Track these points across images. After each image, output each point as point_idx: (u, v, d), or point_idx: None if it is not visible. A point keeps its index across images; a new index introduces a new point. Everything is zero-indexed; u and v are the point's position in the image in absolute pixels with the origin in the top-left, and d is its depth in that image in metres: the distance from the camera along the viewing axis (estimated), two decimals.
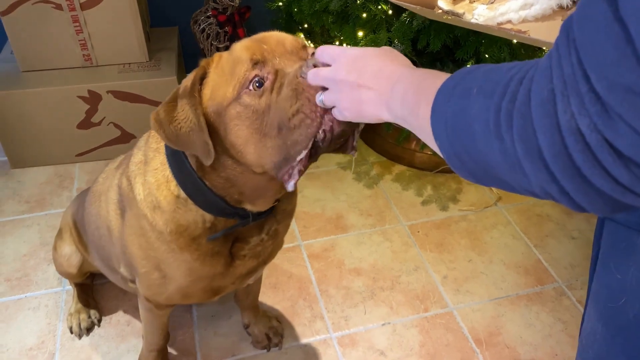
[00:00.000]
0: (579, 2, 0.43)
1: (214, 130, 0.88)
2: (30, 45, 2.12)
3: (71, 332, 1.62)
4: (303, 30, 2.27)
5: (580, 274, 1.84)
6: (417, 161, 2.27)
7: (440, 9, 1.16)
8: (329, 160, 2.32)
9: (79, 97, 2.13)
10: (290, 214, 1.18)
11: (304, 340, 1.62)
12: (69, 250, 1.53)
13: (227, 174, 0.94)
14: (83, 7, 2.05)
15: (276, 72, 0.83)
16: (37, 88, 2.10)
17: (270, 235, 1.11)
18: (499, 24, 1.08)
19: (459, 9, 1.14)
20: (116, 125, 2.24)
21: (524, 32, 1.04)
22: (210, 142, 0.86)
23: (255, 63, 0.84)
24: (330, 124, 0.78)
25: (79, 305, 1.64)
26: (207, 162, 0.88)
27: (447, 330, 1.65)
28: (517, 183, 0.49)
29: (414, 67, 0.69)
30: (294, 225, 2.00)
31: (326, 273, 1.83)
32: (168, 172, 0.99)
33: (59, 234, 1.57)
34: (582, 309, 1.70)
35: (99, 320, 1.66)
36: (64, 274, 1.60)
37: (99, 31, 2.12)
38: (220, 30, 2.36)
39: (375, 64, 0.70)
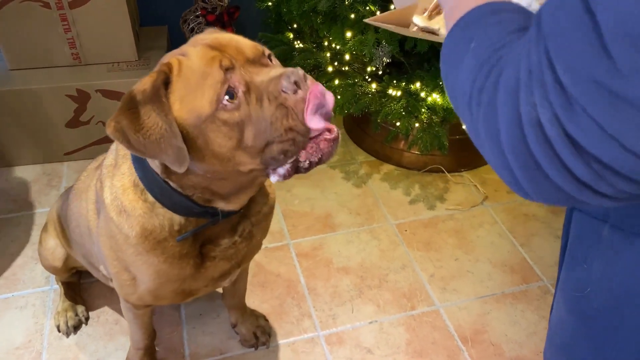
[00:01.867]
0: None
1: (186, 138, 0.84)
2: (18, 44, 2.11)
3: (59, 331, 1.62)
4: (292, 30, 2.28)
5: None
6: (405, 161, 2.29)
7: (416, 25, 1.17)
8: None
9: (68, 95, 2.13)
10: (267, 216, 1.17)
11: (292, 339, 1.63)
12: (54, 244, 1.53)
13: (200, 179, 0.92)
14: (71, 5, 2.04)
15: (247, 83, 0.83)
16: (25, 87, 2.10)
17: (244, 237, 1.10)
18: None
19: (434, 24, 1.13)
20: (105, 124, 2.23)
21: None
22: (184, 148, 0.82)
23: (226, 71, 0.82)
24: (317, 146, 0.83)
25: (66, 303, 1.64)
26: (181, 169, 0.84)
27: (433, 328, 1.67)
28: (478, 148, 0.50)
29: None
30: (282, 223, 2.01)
31: (314, 272, 1.84)
32: (135, 176, 0.98)
33: (45, 228, 1.57)
34: None
35: (87, 319, 1.66)
36: (50, 268, 1.60)
37: (87, 30, 2.12)
38: None
39: None
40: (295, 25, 2.25)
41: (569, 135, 0.40)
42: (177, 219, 0.99)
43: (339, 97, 2.01)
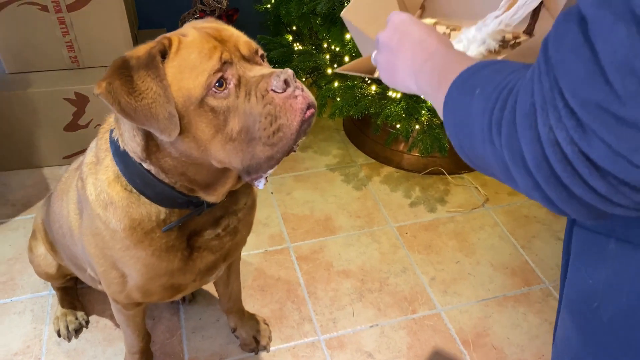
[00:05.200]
0: (554, 21, 0.46)
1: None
2: (16, 47, 2.10)
3: (59, 336, 1.60)
4: (291, 33, 2.27)
5: None
6: (405, 163, 2.28)
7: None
8: (318, 162, 2.32)
9: (66, 99, 2.12)
10: (251, 209, 1.18)
11: (292, 343, 1.62)
12: (44, 250, 1.52)
13: (175, 162, 0.92)
14: (69, 8, 2.03)
15: (239, 77, 0.86)
16: (23, 90, 2.09)
17: (229, 231, 1.10)
18: None
19: None
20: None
21: None
22: (176, 114, 0.83)
23: (224, 64, 0.85)
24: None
25: (65, 308, 1.63)
26: (171, 137, 0.84)
27: (434, 332, 1.66)
28: (509, 183, 0.53)
29: (449, 44, 0.72)
30: (282, 227, 2.00)
31: (314, 275, 1.83)
32: (117, 168, 0.99)
33: (33, 235, 1.56)
34: None
35: (87, 322, 1.65)
36: (43, 275, 1.58)
37: (85, 33, 2.11)
38: None
39: (418, 32, 0.74)
40: (294, 28, 2.24)
41: (584, 153, 0.43)
42: (162, 209, 0.99)
43: (338, 99, 2.00)
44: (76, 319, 1.63)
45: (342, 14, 1.08)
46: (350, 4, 1.08)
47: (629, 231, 0.56)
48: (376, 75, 1.10)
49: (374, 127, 2.08)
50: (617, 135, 0.41)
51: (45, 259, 1.52)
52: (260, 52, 0.93)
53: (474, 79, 0.57)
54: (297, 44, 2.21)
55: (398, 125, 1.95)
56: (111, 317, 1.68)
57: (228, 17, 2.37)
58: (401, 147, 2.25)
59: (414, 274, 1.84)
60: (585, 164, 0.44)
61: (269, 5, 2.28)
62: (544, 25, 1.07)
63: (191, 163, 0.92)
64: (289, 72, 0.84)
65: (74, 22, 2.07)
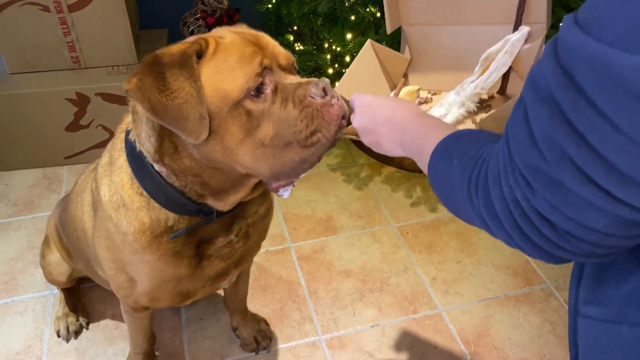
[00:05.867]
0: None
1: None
2: (17, 47, 2.11)
3: (58, 336, 1.61)
4: (292, 32, 2.27)
5: (567, 275, 1.85)
6: (406, 163, 2.28)
7: None
8: (320, 162, 2.32)
9: (67, 99, 2.12)
10: (265, 217, 1.16)
11: (293, 343, 1.62)
12: (57, 259, 1.51)
13: (193, 163, 0.90)
14: (71, 9, 2.04)
15: (277, 83, 0.86)
16: (25, 90, 2.09)
17: (240, 236, 1.08)
18: None
19: None
20: (105, 128, 2.23)
21: None
22: (207, 117, 0.82)
23: (264, 69, 0.84)
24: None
25: (67, 309, 1.63)
26: (199, 139, 0.83)
27: (435, 332, 1.66)
28: (488, 232, 0.63)
29: (418, 112, 0.82)
30: (283, 227, 2.00)
31: (315, 275, 1.83)
32: (130, 170, 0.97)
33: (46, 242, 1.56)
34: None
35: (87, 324, 1.65)
36: (53, 282, 1.59)
37: (87, 33, 2.11)
38: None
39: (384, 111, 0.83)
40: (295, 28, 2.24)
41: (534, 208, 0.53)
42: (172, 215, 0.98)
43: None
44: (77, 320, 1.63)
45: (335, 89, 1.14)
46: (341, 80, 1.21)
47: None
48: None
49: None
50: (551, 192, 0.51)
51: (57, 267, 1.52)
52: (296, 65, 0.93)
53: (451, 149, 0.68)
54: (298, 44, 2.21)
55: None
56: (112, 317, 1.68)
57: (229, 17, 2.37)
58: None
59: (415, 273, 1.84)
60: (537, 217, 0.53)
61: (270, 5, 2.28)
62: (514, 85, 1.26)
63: (210, 166, 0.90)
64: (326, 81, 0.86)
65: (75, 23, 2.07)
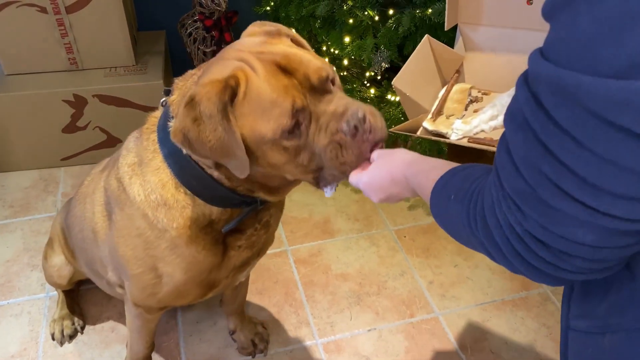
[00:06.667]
0: None
1: (246, 148, 0.88)
2: (14, 49, 2.10)
3: (53, 339, 1.60)
4: None
5: None
6: None
7: (425, 129, 1.36)
8: None
9: (65, 101, 2.12)
10: (281, 206, 1.20)
11: (290, 347, 1.61)
12: (59, 261, 1.51)
13: (251, 177, 0.95)
14: (68, 10, 2.03)
15: (310, 116, 0.87)
16: (22, 92, 2.09)
17: (263, 225, 1.12)
18: (475, 134, 1.29)
19: (439, 125, 1.33)
20: (102, 130, 2.22)
21: (496, 140, 1.23)
22: (246, 159, 0.86)
23: (297, 111, 0.85)
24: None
25: (64, 311, 1.63)
26: (243, 176, 0.89)
27: (432, 336, 1.65)
28: (490, 258, 0.66)
29: (410, 160, 0.86)
30: (281, 230, 2.00)
31: (312, 278, 1.83)
32: (169, 171, 1.00)
33: (50, 243, 1.55)
34: None
35: (83, 328, 1.64)
36: (54, 284, 1.59)
37: (84, 35, 2.11)
38: (207, 35, 2.36)
39: (384, 179, 0.87)
40: (293, 30, 2.24)
41: (527, 230, 0.56)
42: (215, 209, 1.01)
43: None
44: (72, 324, 1.62)
45: (393, 82, 1.26)
46: (398, 74, 1.27)
47: (622, 319, 0.61)
48: (419, 133, 1.36)
49: None
50: (538, 212, 0.54)
51: (59, 270, 1.52)
52: (331, 76, 0.90)
53: (447, 187, 0.73)
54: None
55: None
56: (108, 320, 1.67)
57: (227, 19, 2.37)
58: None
59: (412, 277, 1.84)
60: (532, 239, 0.56)
61: (268, 8, 2.28)
62: None
63: (263, 174, 0.95)
64: (359, 115, 0.86)
65: (72, 24, 2.07)
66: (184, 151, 0.93)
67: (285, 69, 0.86)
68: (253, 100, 0.85)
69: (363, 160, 0.90)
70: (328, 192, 0.96)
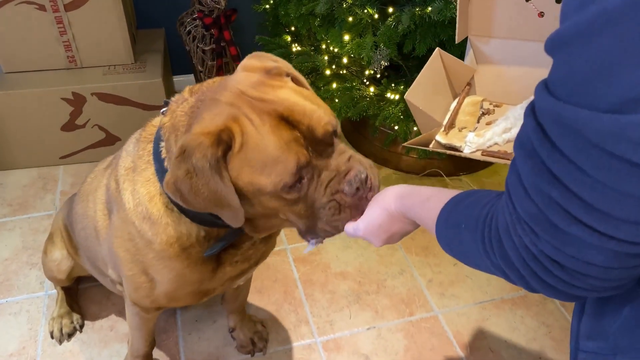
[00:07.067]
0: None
1: (239, 194, 0.85)
2: (13, 46, 2.09)
3: (52, 337, 1.60)
4: (290, 33, 2.27)
5: None
6: (403, 164, 2.27)
7: (438, 142, 1.37)
8: None
9: (63, 99, 2.11)
10: None
11: (289, 345, 1.61)
12: (60, 256, 1.51)
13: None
14: (67, 8, 2.03)
15: (313, 172, 0.85)
16: (20, 90, 2.08)
17: (263, 239, 1.10)
18: (488, 147, 1.29)
19: (452, 138, 1.34)
20: (101, 128, 2.22)
21: (509, 153, 1.23)
22: (241, 211, 0.86)
23: (301, 168, 0.82)
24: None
25: (63, 309, 1.62)
26: (237, 225, 0.89)
27: (432, 335, 1.65)
28: (506, 279, 0.68)
29: (401, 194, 0.86)
30: None
31: (312, 277, 1.82)
32: (159, 185, 0.97)
33: (50, 238, 1.55)
34: (566, 313, 1.71)
35: (81, 326, 1.64)
36: (52, 278, 1.58)
37: (83, 33, 2.10)
38: (206, 33, 2.35)
39: (379, 219, 0.87)
40: (292, 28, 2.23)
41: (542, 251, 0.58)
42: (202, 228, 1.00)
43: (336, 100, 2.00)
44: (71, 322, 1.62)
45: (406, 96, 1.28)
46: (411, 87, 1.29)
47: (633, 339, 0.63)
48: (431, 146, 1.35)
49: (372, 128, 2.07)
50: (550, 234, 0.56)
51: (59, 265, 1.51)
52: (335, 128, 0.87)
53: (453, 216, 0.75)
54: (296, 44, 2.20)
55: (396, 127, 1.94)
56: (107, 319, 1.67)
57: (226, 17, 2.37)
58: (399, 148, 2.24)
59: (412, 276, 1.84)
60: (547, 259, 0.58)
61: (267, 6, 2.28)
62: None
63: (255, 214, 0.93)
64: (362, 176, 0.86)
65: (71, 22, 2.06)
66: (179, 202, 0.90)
67: (287, 120, 0.82)
68: (251, 154, 0.81)
69: (358, 214, 0.90)
70: (309, 247, 0.96)
